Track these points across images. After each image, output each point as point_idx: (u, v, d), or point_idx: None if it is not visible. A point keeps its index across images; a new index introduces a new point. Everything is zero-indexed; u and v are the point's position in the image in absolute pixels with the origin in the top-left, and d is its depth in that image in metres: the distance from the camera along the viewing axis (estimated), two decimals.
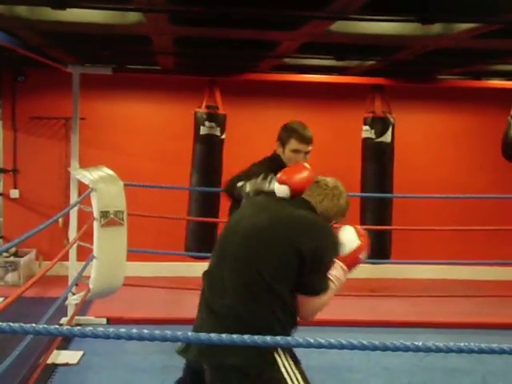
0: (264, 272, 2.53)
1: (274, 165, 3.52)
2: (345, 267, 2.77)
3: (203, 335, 1.73)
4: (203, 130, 6.40)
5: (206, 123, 6.38)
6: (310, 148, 3.60)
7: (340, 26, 3.72)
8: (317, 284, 2.61)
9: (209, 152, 6.48)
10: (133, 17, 3.69)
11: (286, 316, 2.58)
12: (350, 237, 2.83)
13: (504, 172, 7.62)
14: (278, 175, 3.03)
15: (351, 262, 2.81)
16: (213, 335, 1.70)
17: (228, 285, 2.60)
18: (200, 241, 6.51)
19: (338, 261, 2.76)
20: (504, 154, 6.85)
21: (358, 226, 2.95)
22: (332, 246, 2.69)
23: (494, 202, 7.66)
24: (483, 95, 7.54)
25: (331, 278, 2.71)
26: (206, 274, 2.78)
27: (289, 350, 2.57)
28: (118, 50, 5.26)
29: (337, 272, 2.73)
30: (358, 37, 4.12)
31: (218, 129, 6.42)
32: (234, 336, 1.69)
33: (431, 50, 4.55)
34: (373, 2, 3.03)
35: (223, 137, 6.48)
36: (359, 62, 5.62)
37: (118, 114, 7.66)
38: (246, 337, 1.69)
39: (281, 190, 2.93)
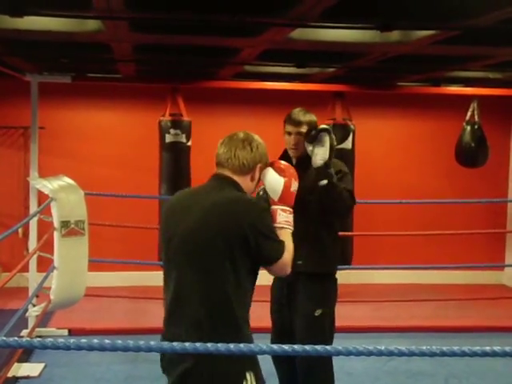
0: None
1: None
2: (285, 207, 2.76)
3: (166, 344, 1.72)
4: (169, 138, 6.36)
5: (171, 131, 6.34)
6: (299, 129, 3.62)
7: (300, 33, 3.74)
8: (273, 251, 2.59)
9: (176, 159, 6.45)
10: (92, 24, 3.66)
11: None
12: (273, 177, 2.79)
13: (460, 177, 7.76)
14: None
15: (287, 199, 2.78)
16: (176, 344, 1.69)
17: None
18: None
19: (275, 207, 2.75)
20: (457, 160, 6.97)
21: (276, 161, 2.89)
22: (260, 211, 2.62)
23: (451, 206, 7.76)
24: (442, 101, 7.66)
25: (280, 225, 2.70)
26: None
27: (257, 371, 2.56)
28: (78, 57, 5.21)
29: (281, 217, 2.72)
30: (318, 44, 4.14)
31: (184, 135, 6.39)
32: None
33: (391, 56, 4.60)
34: (332, 10, 3.05)
35: (189, 143, 6.45)
36: (320, 69, 5.65)
37: (78, 123, 7.58)
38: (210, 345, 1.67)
39: None
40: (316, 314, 3.64)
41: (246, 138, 2.69)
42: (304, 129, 3.63)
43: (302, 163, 3.60)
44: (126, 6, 3.11)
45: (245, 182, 2.67)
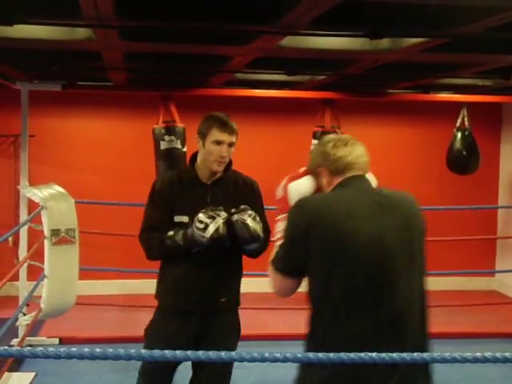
0: None
1: (183, 178, 3.31)
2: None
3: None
4: (163, 145, 6.31)
5: (166, 137, 6.30)
6: (233, 139, 3.20)
7: (291, 40, 3.75)
8: None
9: (172, 166, 6.42)
10: (82, 33, 3.65)
11: None
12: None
13: (451, 184, 7.78)
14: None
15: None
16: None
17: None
18: None
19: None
20: (448, 167, 7.00)
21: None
22: None
23: (442, 213, 7.76)
24: (432, 109, 7.69)
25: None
26: None
27: None
28: (68, 66, 5.21)
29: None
30: (309, 52, 4.15)
31: (179, 141, 6.35)
32: None
33: (380, 64, 4.61)
34: (322, 18, 3.06)
35: (185, 149, 6.42)
36: (310, 77, 5.67)
37: (69, 131, 7.57)
38: None
39: None
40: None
41: (351, 137, 2.50)
42: (235, 139, 3.23)
43: (221, 182, 3.31)
44: (116, 15, 3.11)
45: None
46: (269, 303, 6.37)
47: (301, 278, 2.36)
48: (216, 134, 3.15)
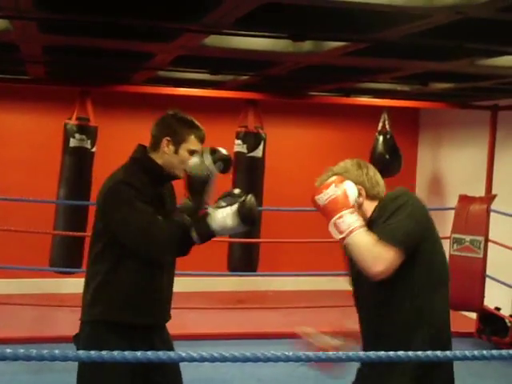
0: None
1: (149, 177, 2.92)
2: None
3: None
4: (73, 143, 6.20)
5: (77, 135, 6.19)
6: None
7: (214, 40, 3.74)
8: None
9: (78, 165, 6.30)
10: None
11: None
12: None
13: None
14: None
15: None
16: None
17: None
18: (67, 255, 6.32)
19: None
20: None
21: None
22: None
23: None
24: (353, 112, 7.82)
25: None
26: None
27: None
28: None
29: None
30: (232, 51, 4.16)
31: (89, 141, 6.25)
32: None
33: (303, 66, 4.67)
34: (246, 18, 3.07)
35: (94, 150, 6.32)
36: (233, 77, 5.67)
37: None
38: None
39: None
40: None
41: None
42: None
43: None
44: (35, 6, 3.03)
45: None
46: (192, 303, 6.38)
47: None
48: (194, 144, 2.91)
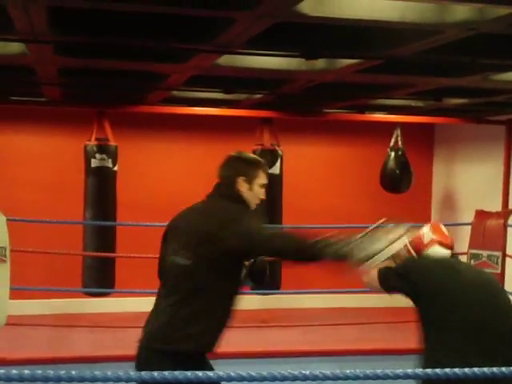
0: None
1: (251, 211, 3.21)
2: None
3: None
4: (94, 163, 6.25)
5: (97, 155, 6.24)
6: None
7: (227, 59, 3.77)
8: None
9: (102, 185, 6.34)
10: (15, 47, 3.59)
11: None
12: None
13: (384, 202, 7.90)
14: (440, 238, 3.30)
15: None
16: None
17: None
18: (98, 277, 6.36)
19: None
20: (382, 185, 7.13)
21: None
22: None
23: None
24: (367, 128, 7.81)
25: None
26: None
27: None
28: (0, 80, 5.10)
29: None
30: (245, 70, 4.18)
31: (110, 160, 6.29)
32: None
33: (316, 84, 4.68)
34: (259, 37, 3.09)
35: (115, 168, 6.36)
36: (247, 96, 5.69)
37: (0, 147, 7.38)
38: None
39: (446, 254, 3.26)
40: None
41: None
42: None
43: None
44: (50, 29, 3.07)
45: None
46: None
47: None
48: (264, 178, 3.18)
